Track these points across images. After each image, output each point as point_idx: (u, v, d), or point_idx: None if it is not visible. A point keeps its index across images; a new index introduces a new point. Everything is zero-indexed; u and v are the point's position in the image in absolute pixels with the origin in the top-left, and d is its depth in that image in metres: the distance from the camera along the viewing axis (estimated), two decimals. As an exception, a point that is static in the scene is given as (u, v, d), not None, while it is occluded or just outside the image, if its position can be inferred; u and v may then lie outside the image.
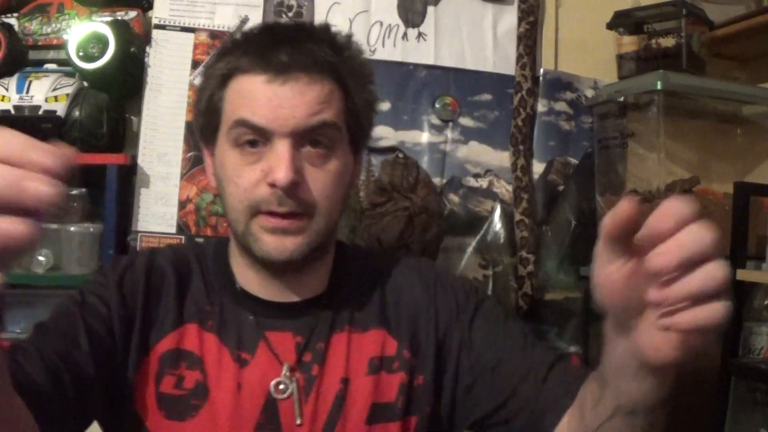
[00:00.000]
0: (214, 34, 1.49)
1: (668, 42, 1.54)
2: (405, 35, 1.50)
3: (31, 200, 0.39)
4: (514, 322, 0.87)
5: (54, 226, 1.52)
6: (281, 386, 0.79)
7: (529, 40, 1.51)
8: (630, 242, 0.48)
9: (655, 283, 0.45)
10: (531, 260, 1.42)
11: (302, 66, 0.76)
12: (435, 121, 1.49)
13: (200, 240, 1.39)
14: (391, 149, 1.45)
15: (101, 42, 1.46)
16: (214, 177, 0.83)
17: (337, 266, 0.88)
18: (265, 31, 0.84)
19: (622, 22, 1.56)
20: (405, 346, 0.84)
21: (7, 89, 1.48)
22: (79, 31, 1.45)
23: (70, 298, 0.79)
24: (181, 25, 1.49)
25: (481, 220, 1.46)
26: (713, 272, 0.44)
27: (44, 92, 1.50)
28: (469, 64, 1.51)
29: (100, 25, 1.45)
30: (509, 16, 1.54)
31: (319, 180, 0.77)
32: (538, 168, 1.50)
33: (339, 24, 1.44)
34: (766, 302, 1.54)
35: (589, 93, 1.57)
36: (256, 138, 0.77)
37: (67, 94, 1.50)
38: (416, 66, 1.48)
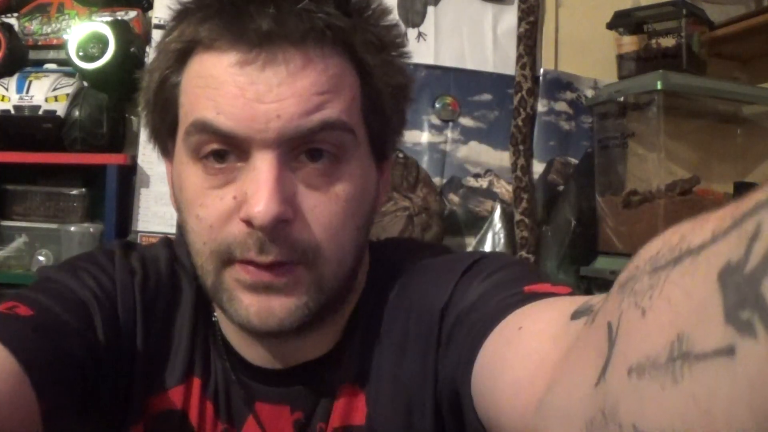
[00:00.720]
0: (214, 34, 1.48)
1: (668, 42, 1.54)
2: (405, 35, 1.50)
3: None
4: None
5: (54, 226, 1.52)
6: None
7: (529, 40, 1.51)
8: None
9: None
10: (531, 260, 1.42)
11: (293, 36, 0.50)
12: (435, 121, 1.49)
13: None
14: (391, 149, 1.44)
15: (101, 42, 1.46)
16: (173, 199, 0.58)
17: (363, 304, 0.61)
18: None
19: (622, 22, 1.57)
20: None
21: (7, 89, 1.49)
22: (79, 31, 1.45)
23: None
24: (181, 25, 1.49)
25: (481, 220, 1.46)
26: None
27: (44, 92, 1.50)
28: (469, 64, 1.51)
29: (100, 25, 1.45)
30: (509, 16, 1.54)
31: (322, 210, 0.52)
32: (538, 168, 1.50)
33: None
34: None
35: (589, 93, 1.57)
36: (225, 148, 0.51)
37: (67, 94, 1.50)
38: (416, 66, 1.48)
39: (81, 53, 1.46)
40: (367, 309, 0.61)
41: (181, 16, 0.55)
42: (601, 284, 1.48)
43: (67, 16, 1.58)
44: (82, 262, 0.60)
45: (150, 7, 1.53)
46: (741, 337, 0.17)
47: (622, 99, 1.51)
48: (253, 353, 0.60)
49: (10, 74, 1.51)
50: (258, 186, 0.49)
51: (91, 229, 1.49)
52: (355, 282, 0.60)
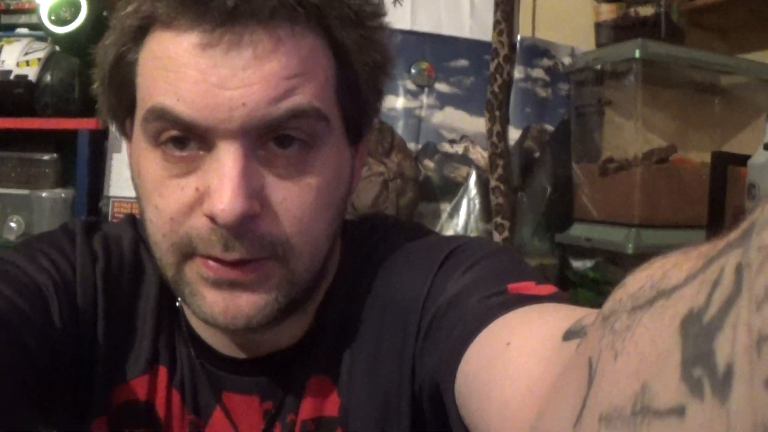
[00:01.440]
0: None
1: (647, 11, 1.53)
2: (382, 2, 1.48)
3: None
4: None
5: (25, 192, 1.50)
6: None
7: (506, 6, 1.50)
8: None
9: None
10: (506, 226, 1.42)
11: (260, 14, 0.45)
12: (410, 86, 1.47)
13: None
14: (366, 115, 1.43)
15: (73, 6, 1.44)
16: (133, 183, 0.53)
17: (335, 291, 0.59)
18: None
19: (600, -11, 1.56)
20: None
21: (-23, 53, 1.47)
22: (50, -7, 1.43)
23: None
24: (154, -12, 1.47)
25: (456, 186, 1.45)
26: None
27: (15, 57, 1.48)
28: (446, 30, 1.50)
29: (71, -13, 1.43)
30: (487, -17, 1.53)
31: (293, 202, 0.48)
32: (514, 135, 1.49)
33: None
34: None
35: (567, 60, 1.56)
36: (186, 135, 0.47)
37: (39, 59, 1.48)
38: (392, 31, 1.46)
39: (53, 17, 1.44)
40: (339, 297, 0.58)
41: None
42: (577, 251, 1.48)
43: (38, -20, 1.56)
44: (41, 244, 0.57)
45: (123, -30, 1.51)
46: (691, 397, 0.17)
47: (599, 67, 1.50)
48: (219, 342, 0.57)
49: (-19, 38, 1.49)
50: (221, 181, 0.45)
51: (63, 195, 1.48)
52: (326, 269, 0.56)
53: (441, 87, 1.48)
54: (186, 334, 0.58)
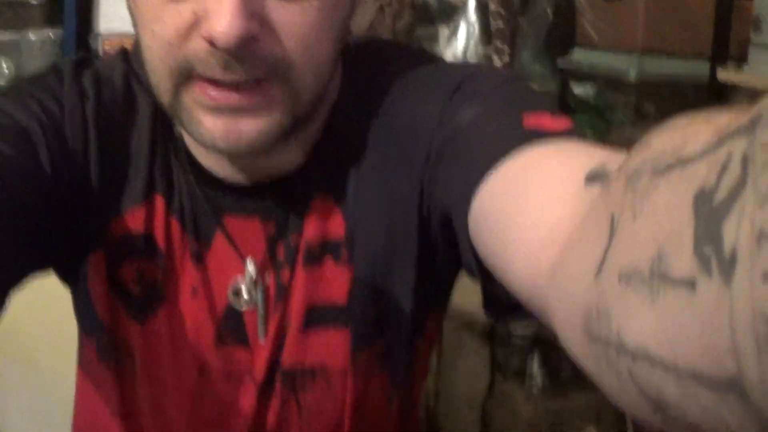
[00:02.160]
0: None
1: None
2: None
3: None
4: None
5: (14, 36, 1.47)
6: (243, 293, 0.58)
7: None
8: None
9: None
10: (506, 51, 1.39)
11: None
12: None
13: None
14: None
15: None
16: (128, 7, 0.52)
17: (337, 116, 0.58)
18: None
19: None
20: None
21: None
22: None
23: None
24: None
25: (455, 10, 1.41)
26: None
27: None
28: None
29: None
30: None
31: (295, 22, 0.47)
32: (513, -43, 1.44)
33: None
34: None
35: None
36: None
37: None
38: None
39: None
40: (343, 119, 0.57)
41: None
42: (578, 77, 1.45)
43: None
44: (29, 86, 0.56)
45: None
46: (701, 272, 0.17)
47: None
48: (220, 168, 0.56)
49: None
50: (220, 2, 0.43)
51: (52, 35, 1.44)
52: (328, 91, 0.55)
53: None
54: (185, 161, 0.57)
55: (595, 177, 0.34)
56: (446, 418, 1.74)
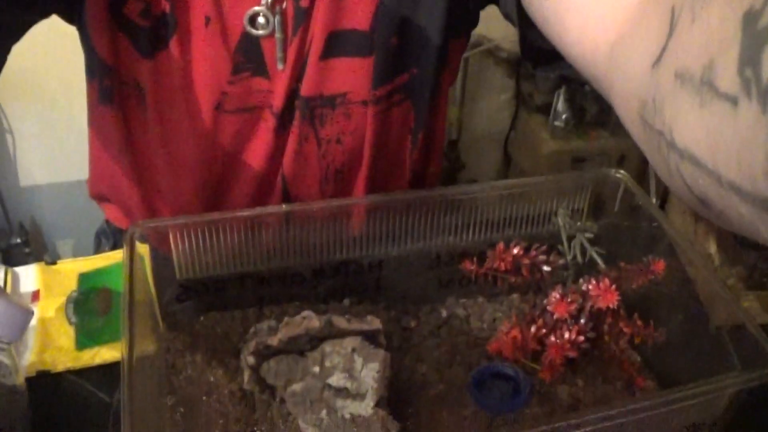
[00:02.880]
0: None
1: None
2: None
3: None
4: None
5: None
6: (259, 18, 0.57)
7: None
8: None
9: None
10: None
11: None
12: None
13: None
14: None
15: None
16: None
17: None
18: None
19: None
20: None
21: None
22: None
23: None
24: None
25: None
26: None
27: None
28: None
29: None
30: None
31: None
32: None
33: None
34: None
35: None
36: None
37: None
38: None
39: None
40: None
41: None
42: None
43: None
44: None
45: None
46: (742, 93, 0.18)
47: None
48: None
49: None
50: None
51: None
52: None
53: None
54: None
55: None
56: (468, 154, 1.71)
